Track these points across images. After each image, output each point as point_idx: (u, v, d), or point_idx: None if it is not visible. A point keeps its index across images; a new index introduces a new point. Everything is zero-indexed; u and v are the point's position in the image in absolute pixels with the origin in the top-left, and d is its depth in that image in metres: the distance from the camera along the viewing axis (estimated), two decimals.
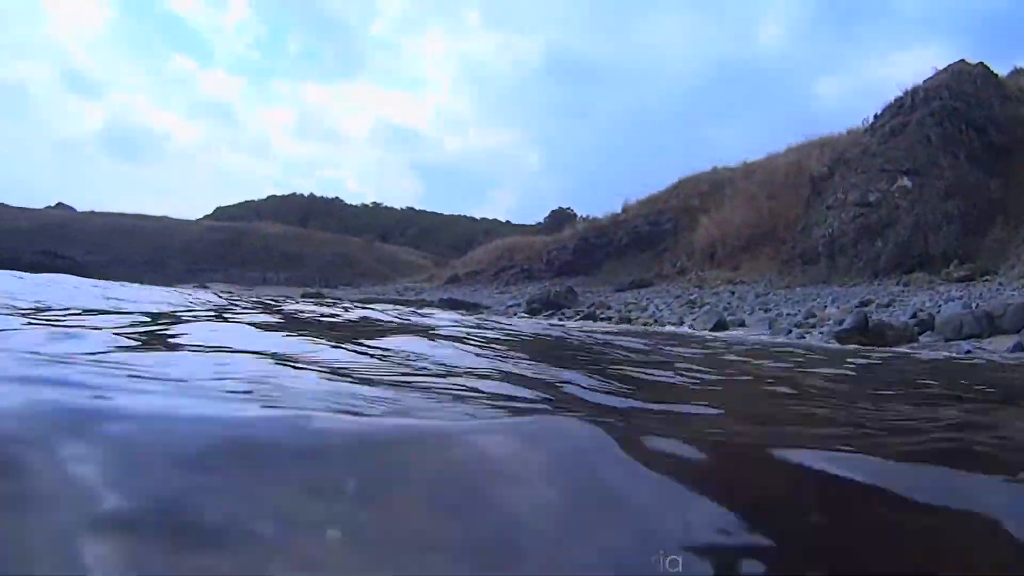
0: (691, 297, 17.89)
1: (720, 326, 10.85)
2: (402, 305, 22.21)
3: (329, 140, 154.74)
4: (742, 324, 11.45)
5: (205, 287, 37.19)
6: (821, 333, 9.09)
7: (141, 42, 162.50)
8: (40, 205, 66.88)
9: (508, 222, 70.03)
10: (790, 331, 9.78)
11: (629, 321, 13.00)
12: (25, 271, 22.49)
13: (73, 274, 24.50)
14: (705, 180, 29.88)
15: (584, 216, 42.54)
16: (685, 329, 11.13)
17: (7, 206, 61.27)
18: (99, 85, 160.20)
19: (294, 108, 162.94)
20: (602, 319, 14.27)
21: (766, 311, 13.32)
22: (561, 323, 13.63)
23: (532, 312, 17.87)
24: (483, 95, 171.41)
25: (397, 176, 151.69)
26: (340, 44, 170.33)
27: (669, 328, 11.54)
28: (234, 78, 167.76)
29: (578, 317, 15.03)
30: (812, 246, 19.48)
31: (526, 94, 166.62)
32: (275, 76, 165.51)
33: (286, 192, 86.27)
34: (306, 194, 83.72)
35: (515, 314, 19.43)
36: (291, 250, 55.63)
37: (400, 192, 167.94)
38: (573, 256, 29.74)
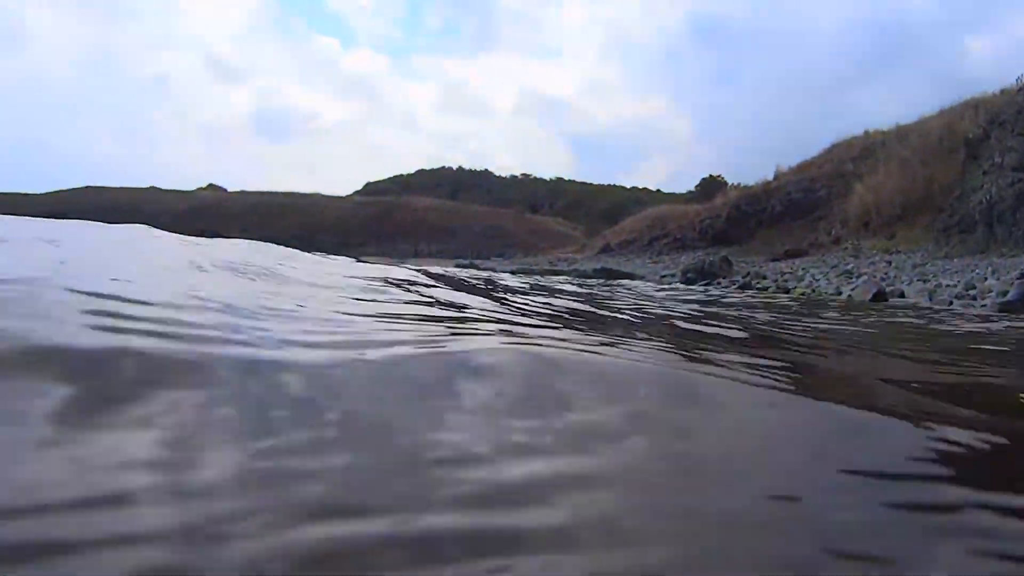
0: (847, 267, 17.79)
1: (879, 297, 10.88)
2: (558, 275, 23.30)
3: (475, 113, 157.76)
4: (901, 295, 11.46)
5: (362, 260, 39.52)
6: (984, 305, 9.06)
7: (282, 27, 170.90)
8: (192, 187, 72.43)
9: (658, 191, 69.82)
10: (951, 303, 9.78)
11: (786, 291, 13.28)
12: None
13: None
14: (857, 144, 29.31)
15: (735, 184, 42.32)
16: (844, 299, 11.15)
17: (161, 189, 67.23)
18: (243, 70, 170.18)
19: (438, 83, 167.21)
20: (758, 288, 14.64)
21: (924, 282, 13.40)
22: (719, 293, 14.34)
23: (687, 282, 18.45)
24: (629, 62, 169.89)
25: (545, 146, 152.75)
26: (478, 17, 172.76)
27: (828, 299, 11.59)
28: (377, 56, 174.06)
29: (734, 287, 15.42)
30: (969, 214, 18.81)
31: (673, 60, 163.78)
32: (417, 52, 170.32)
33: (435, 166, 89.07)
34: (455, 167, 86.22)
35: (669, 283, 20.15)
36: (442, 223, 57.36)
37: (549, 162, 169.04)
38: (726, 225, 29.82)
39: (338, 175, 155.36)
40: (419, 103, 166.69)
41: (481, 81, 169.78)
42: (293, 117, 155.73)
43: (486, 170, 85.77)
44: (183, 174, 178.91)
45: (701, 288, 16.75)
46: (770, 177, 33.32)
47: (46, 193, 62.78)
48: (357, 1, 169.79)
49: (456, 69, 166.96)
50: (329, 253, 37.79)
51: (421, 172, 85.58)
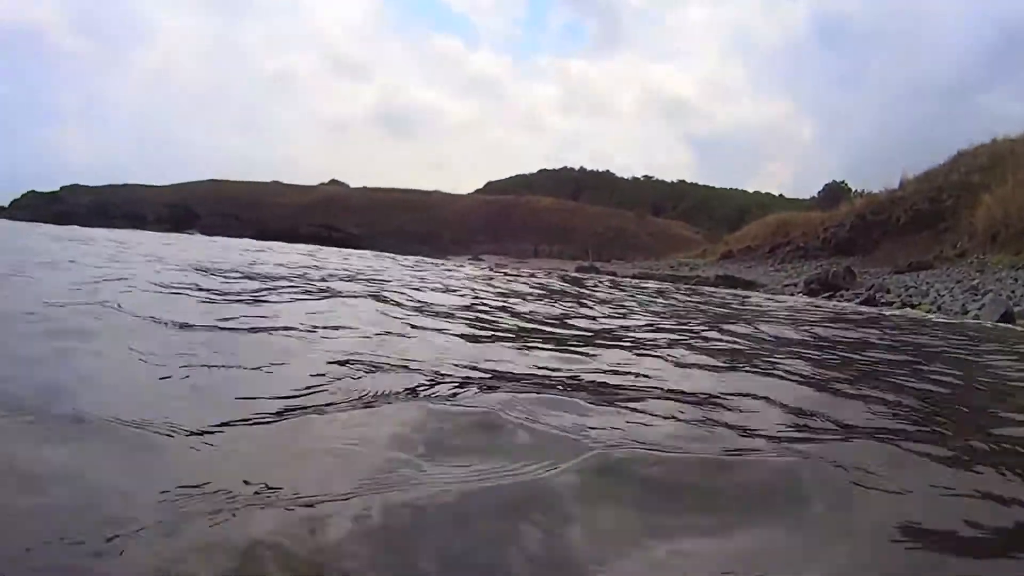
0: (972, 283, 17.86)
1: (1007, 317, 10.71)
2: (681, 282, 23.86)
3: (597, 113, 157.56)
4: None
5: (479, 259, 40.55)
6: None
7: (404, 26, 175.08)
8: (315, 182, 73.87)
9: (781, 196, 68.60)
10: None
11: (911, 307, 13.66)
12: (303, 243, 25.79)
13: (347, 246, 27.53)
14: (984, 153, 28.55)
15: (858, 191, 41.88)
16: (970, 320, 10.89)
17: (283, 183, 67.95)
18: (366, 68, 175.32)
19: (560, 83, 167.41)
20: (882, 304, 14.91)
21: None
22: (843, 305, 14.94)
23: (811, 293, 19.08)
24: (752, 63, 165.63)
25: (667, 148, 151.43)
26: (599, 17, 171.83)
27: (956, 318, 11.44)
28: (499, 56, 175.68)
29: (857, 300, 15.76)
30: None
31: (796, 61, 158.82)
32: (539, 52, 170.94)
33: (557, 166, 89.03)
34: (576, 168, 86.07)
35: (792, 293, 20.67)
36: (562, 222, 57.11)
37: (671, 164, 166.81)
38: (849, 234, 29.58)
39: (460, 173, 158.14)
40: (541, 103, 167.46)
41: (603, 81, 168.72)
42: (416, 115, 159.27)
43: (608, 171, 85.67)
44: (306, 169, 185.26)
45: (823, 299, 17.38)
46: (895, 185, 32.85)
47: (170, 185, 64.86)
48: (477, 2, 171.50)
49: (578, 69, 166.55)
50: (448, 253, 38.67)
51: (543, 172, 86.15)
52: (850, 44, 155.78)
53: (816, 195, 48.70)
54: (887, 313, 11.17)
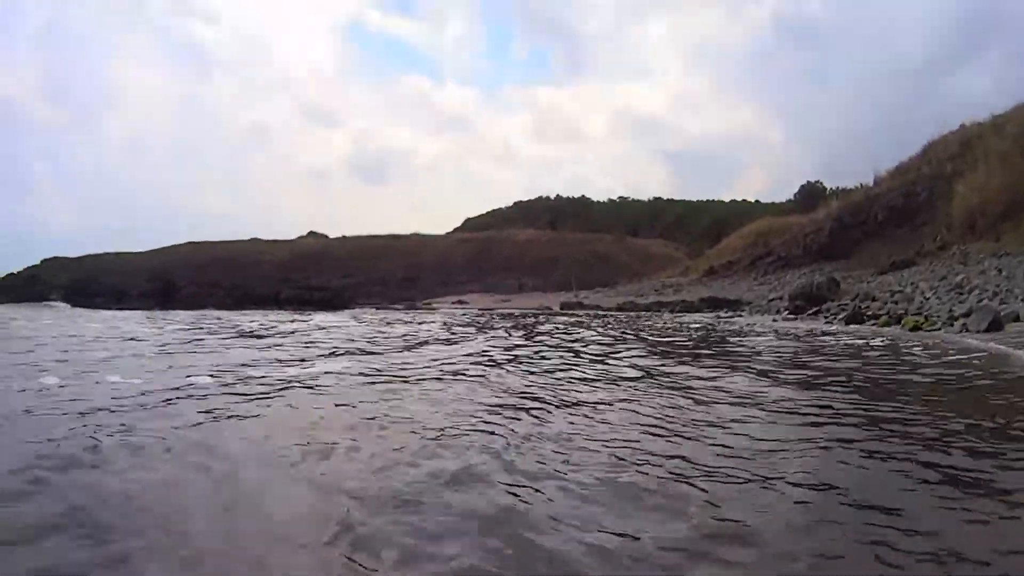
0: (957, 278, 17.54)
1: (995, 325, 10.53)
2: (669, 311, 23.40)
3: (569, 139, 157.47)
4: (1016, 318, 11.04)
5: (462, 302, 39.99)
6: None
7: (370, 69, 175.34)
8: (293, 235, 72.76)
9: (758, 202, 68.53)
10: None
11: (899, 322, 13.17)
12: (283, 307, 26.02)
13: (330, 306, 27.66)
14: (954, 140, 28.44)
15: (834, 188, 41.93)
16: (959, 338, 10.44)
17: (262, 240, 67.07)
18: (338, 115, 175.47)
19: (530, 112, 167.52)
20: (869, 319, 14.50)
21: None
22: (829, 327, 14.49)
23: (796, 310, 18.61)
24: (717, 73, 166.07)
25: (642, 167, 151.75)
26: (563, 43, 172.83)
27: (944, 334, 11.07)
28: (467, 90, 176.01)
29: (842, 317, 15.30)
30: None
31: (761, 65, 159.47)
32: (506, 83, 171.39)
33: (532, 196, 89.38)
34: (552, 196, 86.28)
35: (778, 310, 20.24)
36: (543, 253, 57.17)
37: (647, 182, 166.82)
38: (829, 239, 29.44)
39: (438, 212, 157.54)
40: (513, 134, 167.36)
41: (572, 106, 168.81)
42: (390, 157, 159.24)
43: (583, 196, 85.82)
44: (285, 222, 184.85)
45: (809, 318, 16.94)
46: (869, 180, 33.11)
47: (149, 251, 64.30)
48: (439, 38, 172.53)
49: (546, 96, 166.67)
50: (433, 296, 38.12)
51: (518, 204, 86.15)
52: (813, 41, 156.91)
53: (793, 197, 48.68)
54: (873, 343, 10.64)
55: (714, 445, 3.70)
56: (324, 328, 14.72)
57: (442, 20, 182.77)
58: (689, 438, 3.89)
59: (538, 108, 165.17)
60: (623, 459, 3.36)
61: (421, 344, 10.29)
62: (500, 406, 4.92)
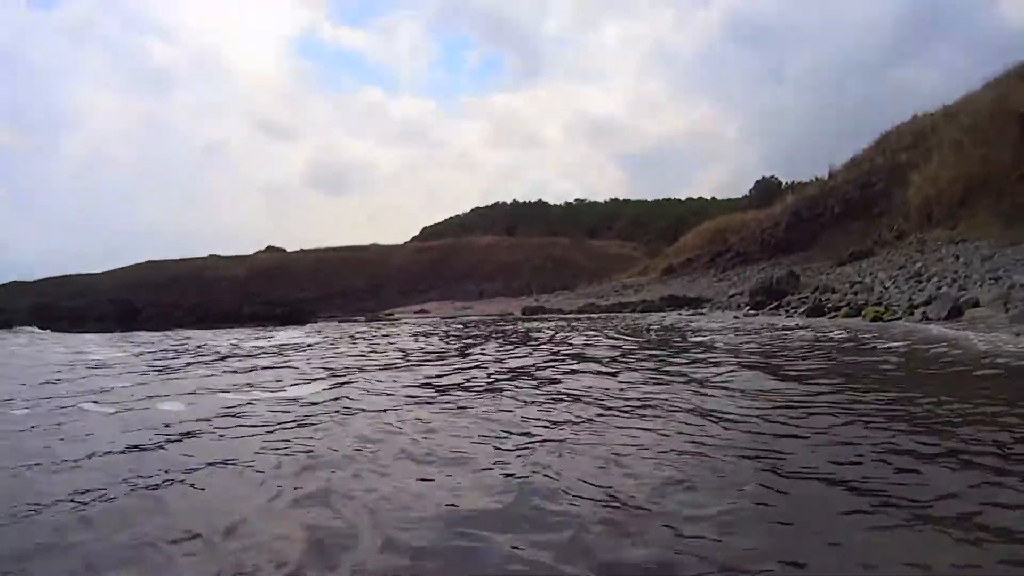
0: (915, 267, 17.53)
1: (955, 312, 10.57)
2: (630, 311, 23.07)
3: (526, 145, 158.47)
4: (976, 303, 10.90)
5: (424, 311, 39.82)
6: None
7: (325, 83, 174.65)
8: (252, 250, 72.80)
9: (714, 199, 69.05)
10: None
11: (859, 313, 13.04)
12: (245, 324, 25.72)
13: (291, 321, 27.39)
14: (907, 131, 28.50)
15: (789, 183, 42.02)
16: (921, 325, 10.38)
17: (221, 256, 67.13)
18: (294, 129, 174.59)
19: (487, 119, 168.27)
20: (830, 312, 14.35)
21: (996, 280, 12.85)
22: (791, 321, 14.21)
23: (757, 306, 18.44)
24: (671, 73, 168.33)
25: (599, 169, 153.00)
26: (516, 49, 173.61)
27: (904, 323, 11.00)
28: (423, 100, 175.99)
29: (804, 310, 15.27)
30: None
31: (713, 65, 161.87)
32: (461, 91, 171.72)
33: (490, 202, 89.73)
34: (509, 202, 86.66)
35: (739, 306, 20.07)
36: (503, 259, 57.59)
37: (605, 185, 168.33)
38: (787, 233, 29.40)
39: (398, 222, 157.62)
40: (470, 141, 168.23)
41: (529, 111, 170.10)
42: (347, 170, 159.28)
43: (540, 200, 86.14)
44: (243, 238, 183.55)
45: (769, 313, 16.72)
46: (823, 174, 33.14)
47: (109, 272, 63.91)
48: (393, 49, 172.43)
49: (502, 103, 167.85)
50: (395, 306, 37.63)
51: (476, 211, 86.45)
52: (763, 41, 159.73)
53: (749, 193, 48.78)
54: (833, 335, 10.32)
55: None
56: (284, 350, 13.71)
57: (393, 31, 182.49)
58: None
59: (495, 115, 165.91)
60: None
61: (407, 361, 9.31)
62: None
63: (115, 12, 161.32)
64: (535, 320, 23.23)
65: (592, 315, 24.57)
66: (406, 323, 26.27)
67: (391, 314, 38.10)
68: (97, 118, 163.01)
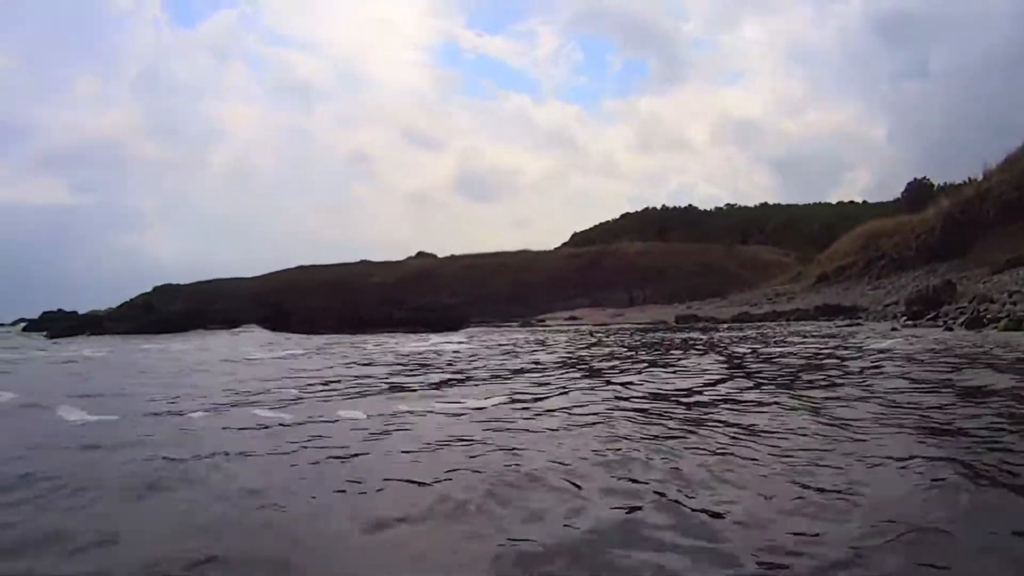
0: None
1: None
2: (782, 319, 22.65)
3: (673, 148, 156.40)
4: None
5: (575, 318, 39.20)
6: None
7: (470, 90, 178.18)
8: (402, 256, 73.73)
9: (865, 202, 67.38)
10: None
11: (1019, 326, 12.38)
12: (397, 329, 25.08)
13: (443, 327, 26.64)
14: None
15: (942, 184, 41.42)
16: None
17: (371, 262, 68.70)
18: (439, 137, 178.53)
19: (631, 123, 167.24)
20: (989, 323, 13.92)
21: None
22: (951, 335, 13.44)
23: (914, 316, 18.88)
24: (815, 72, 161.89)
25: (745, 172, 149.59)
26: (658, 52, 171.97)
27: None
28: (568, 106, 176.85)
29: (961, 320, 15.03)
30: None
31: (857, 62, 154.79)
32: (605, 96, 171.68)
33: (639, 207, 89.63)
34: (659, 206, 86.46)
35: (895, 316, 20.13)
36: (653, 265, 57.16)
37: (752, 188, 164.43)
38: (942, 237, 29.10)
39: (545, 228, 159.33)
40: (615, 146, 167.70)
41: (673, 115, 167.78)
42: (493, 176, 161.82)
43: (690, 205, 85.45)
44: (393, 244, 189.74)
45: (927, 324, 16.76)
46: (977, 174, 32.59)
47: (258, 276, 66.20)
48: (533, 55, 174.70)
49: (647, 107, 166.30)
50: (544, 312, 37.44)
51: (626, 216, 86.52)
52: (909, 34, 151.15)
53: (901, 195, 48.02)
54: (996, 351, 9.90)
55: None
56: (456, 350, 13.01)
57: (532, 38, 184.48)
58: None
59: (639, 119, 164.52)
60: None
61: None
62: None
63: (255, 28, 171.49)
64: (696, 330, 22.37)
65: (746, 323, 25.36)
66: (561, 331, 25.41)
67: (542, 320, 38.93)
68: (243, 130, 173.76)
